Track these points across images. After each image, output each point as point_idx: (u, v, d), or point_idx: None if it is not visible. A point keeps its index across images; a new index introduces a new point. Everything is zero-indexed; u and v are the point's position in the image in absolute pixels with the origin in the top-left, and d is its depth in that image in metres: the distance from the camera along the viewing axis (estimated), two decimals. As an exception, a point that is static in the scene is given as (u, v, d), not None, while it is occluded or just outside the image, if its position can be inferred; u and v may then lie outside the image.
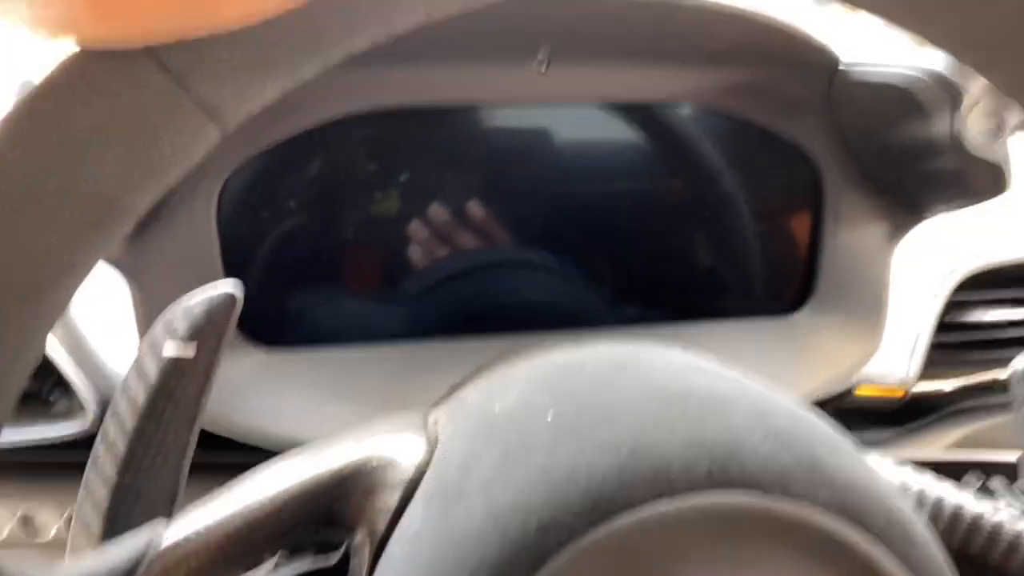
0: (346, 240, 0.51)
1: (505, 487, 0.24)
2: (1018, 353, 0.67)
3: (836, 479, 0.24)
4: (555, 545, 0.22)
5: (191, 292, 0.29)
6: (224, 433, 0.44)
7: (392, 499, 0.27)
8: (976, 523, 0.29)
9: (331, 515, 0.27)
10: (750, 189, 0.54)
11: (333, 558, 0.39)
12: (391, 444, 0.28)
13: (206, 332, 0.28)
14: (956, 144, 0.43)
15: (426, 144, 0.52)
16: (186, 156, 0.21)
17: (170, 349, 0.28)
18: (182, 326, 0.28)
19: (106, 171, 0.20)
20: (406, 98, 0.48)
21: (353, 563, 0.28)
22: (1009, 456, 0.43)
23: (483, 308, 0.53)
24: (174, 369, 0.28)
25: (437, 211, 0.52)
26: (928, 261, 0.63)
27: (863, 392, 0.59)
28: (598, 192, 0.55)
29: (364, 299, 0.52)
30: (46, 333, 0.21)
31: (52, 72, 0.20)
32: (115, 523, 0.27)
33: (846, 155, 0.50)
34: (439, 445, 0.28)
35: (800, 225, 0.53)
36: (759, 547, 0.23)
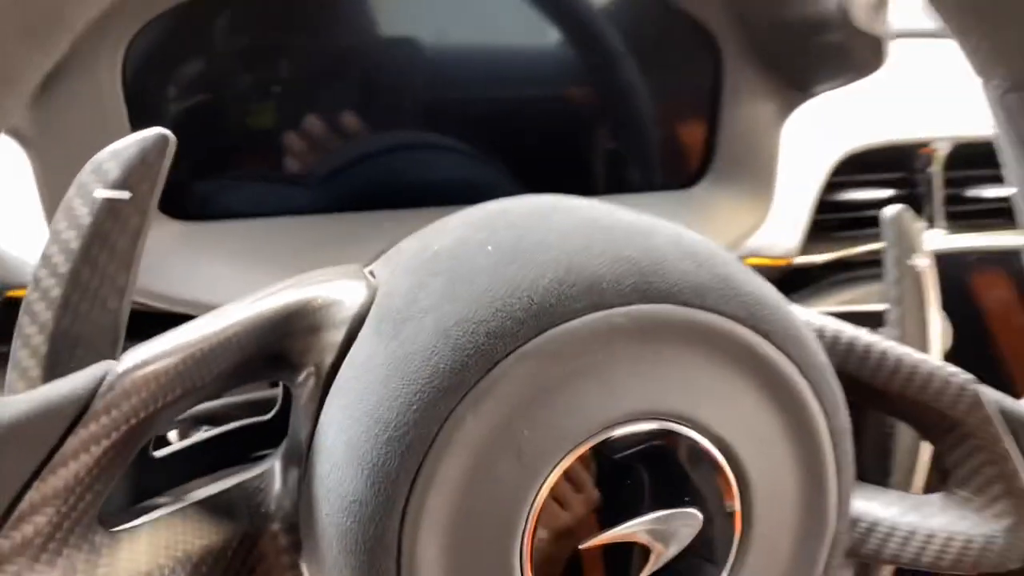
0: (258, 116, 0.49)
1: (453, 306, 0.25)
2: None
3: (744, 294, 0.27)
4: (502, 351, 0.24)
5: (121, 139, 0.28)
6: (144, 301, 0.44)
7: (338, 334, 0.28)
8: (852, 343, 0.33)
9: (278, 352, 0.28)
10: (653, 69, 0.56)
11: (269, 413, 0.40)
12: (332, 287, 0.29)
13: (140, 173, 0.27)
14: (843, 18, 0.46)
15: (344, 28, 0.51)
16: None
17: (102, 192, 0.27)
18: (113, 167, 0.27)
19: None
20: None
21: (296, 403, 0.30)
22: (877, 308, 0.48)
23: (395, 186, 0.54)
24: (108, 212, 0.27)
25: (343, 95, 0.52)
26: (807, 146, 0.68)
27: (751, 262, 0.64)
28: (503, 80, 0.55)
29: (277, 177, 0.52)
30: None
31: None
32: (55, 369, 0.27)
33: (744, 32, 0.53)
34: (380, 285, 0.29)
35: (699, 103, 0.56)
36: (679, 350, 0.26)
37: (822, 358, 0.29)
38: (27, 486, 0.22)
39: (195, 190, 0.49)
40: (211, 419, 0.42)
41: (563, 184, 0.58)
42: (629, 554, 0.27)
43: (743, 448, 0.27)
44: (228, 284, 0.45)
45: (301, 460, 0.29)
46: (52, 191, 0.43)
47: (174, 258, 0.45)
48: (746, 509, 0.27)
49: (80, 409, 0.23)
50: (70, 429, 0.23)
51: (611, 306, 0.25)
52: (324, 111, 0.51)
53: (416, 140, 0.55)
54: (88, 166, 0.28)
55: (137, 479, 0.31)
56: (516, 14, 0.54)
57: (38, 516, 0.23)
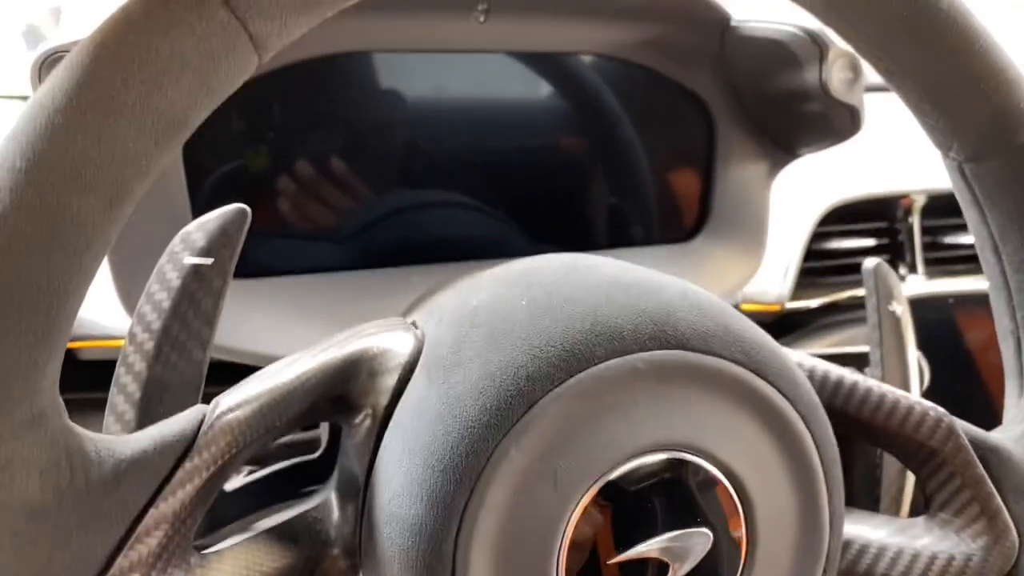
0: (286, 180, 0.54)
1: (495, 354, 0.30)
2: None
3: (742, 340, 0.32)
4: (540, 392, 0.28)
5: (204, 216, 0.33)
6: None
7: (392, 379, 0.32)
8: (839, 382, 0.37)
9: (340, 395, 0.32)
10: (650, 133, 0.61)
11: (315, 452, 0.44)
12: (384, 338, 0.33)
13: (221, 242, 0.32)
14: (823, 90, 0.52)
15: (353, 93, 0.56)
16: (234, 82, 0.25)
17: (190, 259, 0.32)
18: (200, 238, 0.32)
19: (177, 92, 0.24)
20: (346, 46, 0.52)
21: (351, 441, 0.34)
22: (863, 349, 0.53)
23: (419, 242, 0.59)
24: (194, 276, 0.32)
25: (364, 160, 0.57)
26: (795, 200, 0.73)
27: (745, 307, 0.68)
28: (509, 140, 0.60)
29: (307, 236, 0.56)
30: (116, 232, 0.25)
31: (130, 4, 0.23)
32: (147, 412, 0.32)
33: (735, 101, 0.58)
34: (426, 336, 0.34)
35: (694, 164, 0.61)
36: (689, 389, 0.30)
37: (813, 395, 0.33)
38: (144, 511, 0.26)
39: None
40: (256, 460, 0.46)
41: (570, 238, 0.63)
42: (649, 570, 0.30)
43: (746, 474, 0.31)
44: (271, 336, 0.50)
45: (358, 491, 0.32)
46: (117, 261, 0.47)
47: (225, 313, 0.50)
48: (750, 528, 0.31)
49: (187, 446, 0.27)
50: (179, 463, 0.27)
51: (631, 352, 0.30)
52: (332, 171, 0.55)
53: (437, 200, 0.59)
54: (177, 237, 0.32)
55: (214, 510, 0.35)
56: (515, 75, 0.59)
57: (151, 538, 0.26)
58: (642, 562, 0.30)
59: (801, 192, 0.73)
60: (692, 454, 0.30)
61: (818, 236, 0.75)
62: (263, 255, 0.53)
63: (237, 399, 0.29)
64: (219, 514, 0.35)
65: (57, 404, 0.25)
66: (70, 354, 0.53)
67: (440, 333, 0.33)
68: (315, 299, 0.52)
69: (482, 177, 0.60)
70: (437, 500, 0.28)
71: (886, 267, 0.44)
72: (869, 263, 0.44)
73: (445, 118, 0.59)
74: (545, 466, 0.28)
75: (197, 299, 0.32)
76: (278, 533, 0.32)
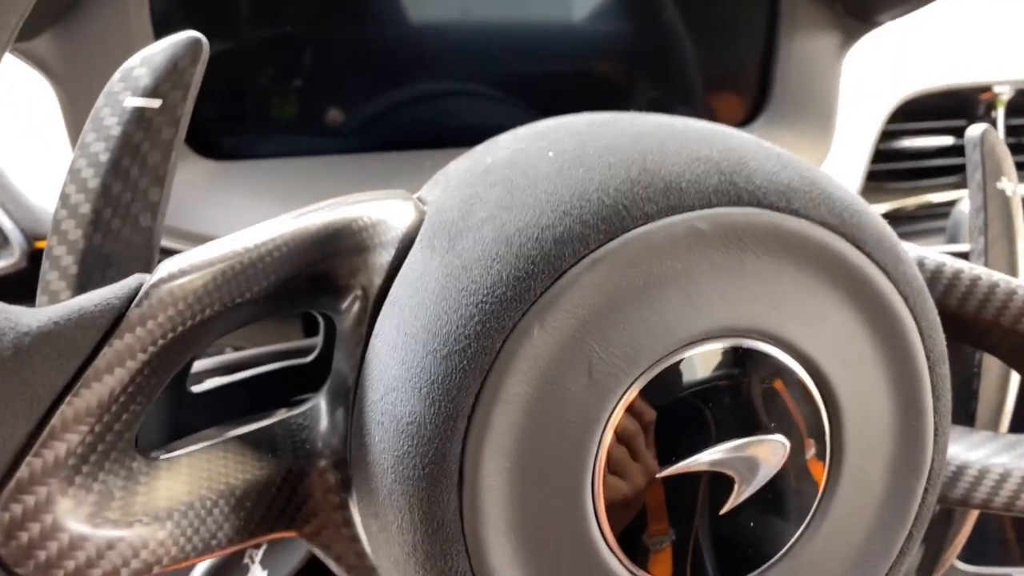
0: (293, 54, 0.48)
1: (513, 213, 0.23)
2: (942, 182, 0.70)
3: (834, 199, 0.25)
4: (571, 257, 0.22)
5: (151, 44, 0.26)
6: (174, 242, 0.42)
7: (387, 255, 0.26)
8: (938, 269, 0.30)
9: (321, 273, 0.26)
10: (703, 2, 0.53)
11: (310, 356, 0.38)
12: (378, 207, 0.27)
13: (171, 80, 0.25)
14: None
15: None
16: None
17: (131, 100, 0.25)
18: (144, 74, 0.25)
19: None
20: None
21: (341, 332, 0.28)
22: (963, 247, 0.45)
23: (436, 126, 0.52)
24: (138, 122, 0.25)
25: (377, 42, 0.50)
26: (863, 90, 0.65)
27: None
28: (541, 29, 0.53)
29: (312, 116, 0.50)
30: None
31: None
32: (85, 290, 0.25)
33: (802, -44, 0.50)
34: (430, 204, 0.27)
35: (753, 37, 0.53)
36: (763, 259, 0.23)
37: (918, 273, 0.26)
38: (59, 400, 0.20)
39: (228, 129, 0.47)
40: (249, 367, 0.41)
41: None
42: (709, 484, 0.24)
43: (832, 369, 0.24)
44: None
45: (348, 393, 0.26)
46: (79, 127, 0.42)
47: (206, 197, 0.44)
48: (836, 436, 0.25)
49: (114, 319, 0.21)
50: (103, 340, 0.21)
51: (690, 209, 0.23)
52: (358, 58, 0.48)
53: (452, 87, 0.52)
54: (117, 74, 0.26)
55: (174, 415, 0.29)
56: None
57: (71, 434, 0.21)
58: (698, 476, 0.24)
59: (870, 81, 0.64)
60: (765, 342, 0.24)
61: (886, 135, 0.67)
62: (257, 137, 0.47)
63: (183, 264, 0.23)
64: (184, 422, 0.29)
65: None
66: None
67: (446, 199, 0.26)
68: (313, 182, 0.46)
69: (511, 67, 0.53)
70: (439, 393, 0.22)
71: (995, 135, 0.36)
72: (975, 129, 0.36)
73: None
74: (577, 351, 0.22)
75: (142, 152, 0.25)
76: (252, 440, 0.27)
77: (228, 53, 0.46)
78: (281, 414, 0.28)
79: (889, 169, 0.68)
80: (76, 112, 0.41)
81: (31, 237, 0.48)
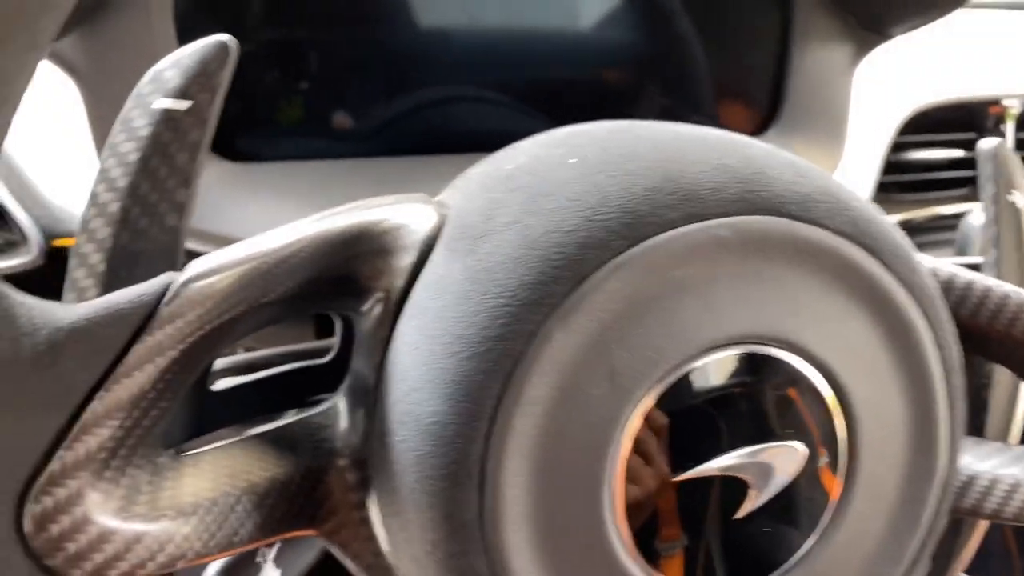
0: (311, 60, 0.48)
1: (537, 218, 0.23)
2: (951, 195, 0.70)
3: (851, 209, 0.25)
4: (594, 263, 0.22)
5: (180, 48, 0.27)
6: (193, 243, 0.42)
7: (408, 258, 0.26)
8: (951, 280, 0.30)
9: (344, 275, 0.26)
10: (715, 10, 0.54)
11: (327, 356, 0.38)
12: (400, 210, 0.27)
13: (200, 82, 0.26)
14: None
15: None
16: None
17: (161, 102, 0.26)
18: (173, 76, 0.26)
19: None
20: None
21: (362, 334, 0.28)
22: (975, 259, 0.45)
23: (453, 132, 0.52)
24: (166, 123, 0.26)
25: (395, 44, 0.50)
26: (874, 102, 0.65)
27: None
28: (553, 37, 0.53)
29: (329, 120, 0.50)
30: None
31: None
32: (113, 287, 0.26)
33: (816, -32, 0.50)
34: (451, 208, 0.27)
35: (766, 47, 0.53)
36: (782, 267, 0.24)
37: (934, 285, 0.26)
38: (90, 395, 0.21)
39: (249, 131, 0.47)
40: (266, 367, 0.41)
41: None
42: (724, 490, 0.24)
43: (848, 377, 0.25)
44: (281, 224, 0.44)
45: (369, 393, 0.27)
46: (103, 126, 0.42)
47: (226, 199, 0.44)
48: (852, 443, 0.25)
49: (145, 316, 0.22)
50: (135, 337, 0.21)
51: (711, 216, 0.23)
52: (375, 63, 0.49)
53: (466, 93, 0.53)
54: (147, 76, 0.26)
55: (195, 413, 0.29)
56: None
57: (102, 428, 0.21)
58: (713, 481, 0.24)
59: (882, 93, 0.64)
60: (782, 349, 0.24)
61: (896, 146, 0.67)
62: (277, 139, 0.47)
63: (212, 264, 0.23)
64: (205, 420, 0.30)
65: None
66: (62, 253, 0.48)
67: (467, 203, 0.27)
68: (333, 185, 0.46)
69: (523, 73, 0.53)
70: (462, 394, 0.22)
71: (1007, 149, 0.36)
72: (987, 143, 0.36)
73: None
74: (599, 355, 0.22)
75: (170, 153, 0.26)
76: (272, 438, 0.27)
77: (249, 56, 0.47)
78: (299, 413, 0.29)
79: (899, 181, 0.69)
80: (99, 111, 0.42)
81: (49, 235, 0.49)
